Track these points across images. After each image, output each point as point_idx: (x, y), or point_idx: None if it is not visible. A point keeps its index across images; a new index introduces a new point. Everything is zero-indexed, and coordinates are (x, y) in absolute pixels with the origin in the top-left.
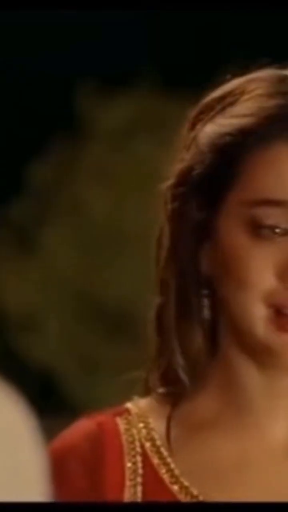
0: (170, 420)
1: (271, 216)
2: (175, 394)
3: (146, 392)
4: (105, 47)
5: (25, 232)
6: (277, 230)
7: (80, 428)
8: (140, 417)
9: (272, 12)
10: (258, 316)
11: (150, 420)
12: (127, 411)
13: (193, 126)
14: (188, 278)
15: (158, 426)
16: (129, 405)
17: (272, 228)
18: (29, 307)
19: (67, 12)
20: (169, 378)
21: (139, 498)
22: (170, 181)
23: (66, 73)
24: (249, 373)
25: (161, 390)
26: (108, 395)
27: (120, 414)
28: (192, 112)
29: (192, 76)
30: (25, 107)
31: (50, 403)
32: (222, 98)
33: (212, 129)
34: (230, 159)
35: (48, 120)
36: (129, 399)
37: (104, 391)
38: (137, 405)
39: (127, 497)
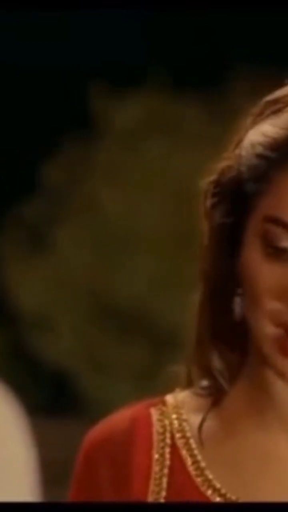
0: (207, 413)
1: (279, 236)
2: (211, 388)
3: (187, 385)
4: (116, 47)
5: (38, 232)
6: (283, 251)
7: (114, 419)
8: (175, 408)
9: (284, 13)
10: (265, 333)
11: (183, 411)
12: (163, 402)
13: (245, 126)
14: (222, 277)
15: (191, 418)
16: (167, 396)
17: (279, 248)
18: (41, 307)
19: (80, 13)
20: (206, 372)
21: (164, 489)
22: (211, 178)
23: (78, 73)
24: (275, 387)
25: (201, 383)
26: (120, 395)
27: (155, 405)
28: (252, 110)
29: (203, 76)
30: (38, 107)
31: (62, 402)
32: (272, 103)
33: (253, 135)
34: (259, 170)
35: (61, 120)
36: (139, 399)
37: (116, 390)
38: (175, 397)
39: (152, 488)
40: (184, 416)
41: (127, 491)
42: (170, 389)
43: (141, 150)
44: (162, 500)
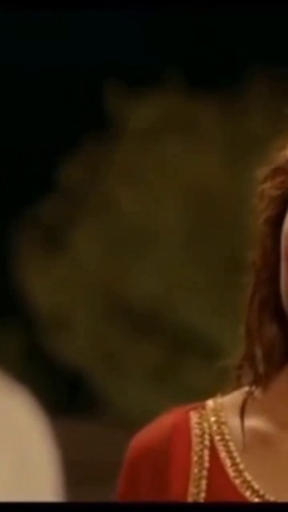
0: (243, 411)
1: None
2: (253, 386)
3: (236, 387)
4: (133, 48)
5: (54, 232)
6: None
7: (156, 426)
8: (214, 411)
9: None
10: None
11: (223, 414)
12: (203, 406)
13: None
14: (270, 267)
15: (230, 420)
16: (208, 400)
17: None
18: (57, 307)
19: (99, 14)
20: (251, 367)
21: (203, 491)
22: (270, 166)
23: (95, 73)
24: None
25: (248, 387)
26: (136, 394)
27: (195, 408)
28: None
29: (218, 76)
30: (55, 108)
31: (78, 401)
32: None
33: None
34: None
35: (78, 121)
36: (156, 398)
37: (132, 390)
38: (215, 400)
39: (191, 491)
40: (223, 419)
41: (167, 495)
42: (185, 387)
43: (157, 150)
44: (203, 495)
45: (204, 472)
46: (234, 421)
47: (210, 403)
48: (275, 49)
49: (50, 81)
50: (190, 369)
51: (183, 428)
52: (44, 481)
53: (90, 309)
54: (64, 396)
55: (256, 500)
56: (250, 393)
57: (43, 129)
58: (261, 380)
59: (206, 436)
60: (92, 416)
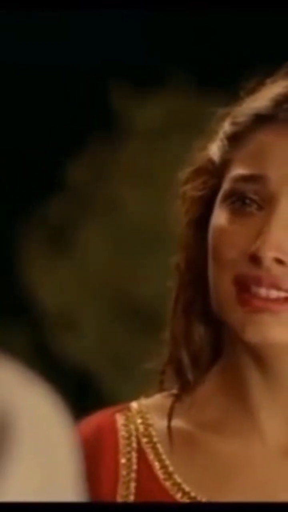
0: (171, 413)
1: (245, 191)
2: (180, 390)
3: (160, 389)
4: (139, 47)
5: (61, 232)
6: (250, 204)
7: (80, 428)
8: (139, 413)
9: None
10: (225, 290)
11: (149, 416)
12: (128, 408)
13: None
14: (195, 265)
15: (157, 422)
16: (132, 402)
17: (245, 202)
18: (64, 307)
19: (105, 13)
20: (177, 371)
21: (132, 494)
22: (191, 168)
23: (102, 73)
24: (249, 373)
25: (173, 389)
26: (144, 394)
27: (120, 410)
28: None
29: (226, 76)
30: (62, 107)
31: (86, 401)
32: (247, 92)
33: (229, 118)
34: (234, 135)
35: (85, 121)
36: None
37: (139, 389)
38: (140, 402)
39: (120, 493)
40: (150, 421)
41: (99, 493)
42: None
43: (164, 150)
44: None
45: (133, 475)
46: (160, 423)
47: (134, 405)
48: (282, 48)
49: (57, 82)
50: None
51: (110, 429)
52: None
53: (97, 308)
54: (71, 396)
55: (174, 489)
56: (177, 396)
57: (49, 130)
58: (189, 386)
59: (133, 439)
60: None
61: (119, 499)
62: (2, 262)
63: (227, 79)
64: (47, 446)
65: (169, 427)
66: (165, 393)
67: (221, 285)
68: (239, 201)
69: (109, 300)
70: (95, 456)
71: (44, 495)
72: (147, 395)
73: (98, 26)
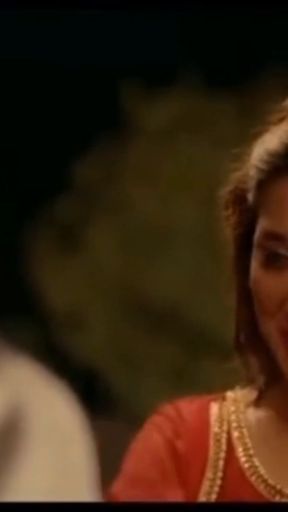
0: (258, 403)
1: (274, 246)
2: (266, 383)
3: (249, 382)
4: (149, 46)
5: (70, 231)
6: (280, 259)
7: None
8: (234, 402)
9: None
10: (273, 340)
11: (241, 405)
12: (223, 397)
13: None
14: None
15: (248, 411)
16: (228, 392)
17: (275, 257)
18: (73, 306)
19: (114, 12)
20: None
21: (217, 485)
22: (228, 187)
23: (111, 72)
24: None
25: (258, 382)
26: (153, 393)
27: (215, 399)
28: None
29: (237, 75)
30: (71, 106)
31: (94, 401)
32: (280, 111)
33: (258, 144)
34: (256, 182)
35: (94, 120)
36: (172, 397)
37: (148, 389)
38: (235, 392)
39: (207, 475)
40: (242, 409)
41: (187, 473)
42: (203, 386)
43: (173, 149)
44: (219, 481)
45: (222, 454)
46: (250, 411)
47: (230, 394)
48: None
49: (66, 80)
50: (207, 368)
51: (203, 414)
52: (83, 482)
53: (106, 308)
54: (80, 395)
55: (261, 485)
56: (264, 389)
57: (58, 128)
58: (275, 378)
59: (225, 423)
60: (108, 415)
61: (206, 481)
62: (10, 262)
63: (238, 78)
64: (61, 443)
65: (257, 416)
66: (252, 386)
67: (266, 327)
68: (270, 255)
69: (118, 299)
70: (185, 440)
71: (58, 492)
72: (241, 385)
73: (108, 26)
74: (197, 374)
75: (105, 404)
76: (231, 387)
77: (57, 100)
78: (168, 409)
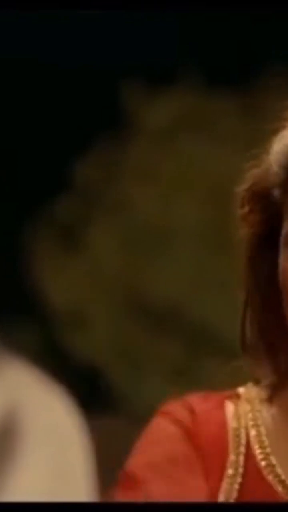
0: (272, 400)
1: None
2: (277, 381)
3: (256, 382)
4: (149, 46)
5: (71, 230)
6: None
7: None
8: (248, 399)
9: None
10: None
11: (256, 401)
12: (237, 395)
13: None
14: (264, 287)
15: (263, 409)
16: (240, 389)
17: None
18: (75, 305)
19: (115, 12)
20: (273, 367)
21: (237, 483)
22: (244, 185)
23: (111, 72)
24: None
25: (266, 381)
26: (154, 391)
27: (229, 397)
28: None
29: (238, 74)
30: (72, 106)
31: (96, 399)
32: None
33: (278, 141)
34: (281, 179)
35: (95, 119)
36: (174, 395)
37: (150, 387)
38: (248, 389)
39: (228, 472)
40: (257, 407)
41: (209, 465)
42: (204, 385)
43: (174, 149)
44: (239, 479)
45: (242, 449)
46: (265, 410)
47: (243, 391)
48: None
49: (66, 80)
50: (209, 366)
51: (220, 411)
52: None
53: (107, 307)
54: (82, 394)
55: (279, 486)
56: (276, 386)
57: (58, 128)
58: (286, 376)
59: (242, 420)
60: (110, 414)
61: (227, 477)
62: (11, 262)
63: (239, 77)
64: (58, 445)
65: (271, 413)
66: (262, 384)
67: None
68: None
69: (119, 298)
70: (200, 435)
71: (55, 494)
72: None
73: (108, 26)
74: (198, 373)
75: (107, 403)
76: (233, 385)
77: (57, 100)
78: (179, 405)
